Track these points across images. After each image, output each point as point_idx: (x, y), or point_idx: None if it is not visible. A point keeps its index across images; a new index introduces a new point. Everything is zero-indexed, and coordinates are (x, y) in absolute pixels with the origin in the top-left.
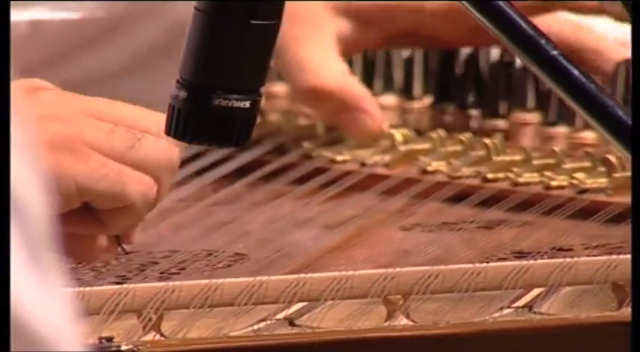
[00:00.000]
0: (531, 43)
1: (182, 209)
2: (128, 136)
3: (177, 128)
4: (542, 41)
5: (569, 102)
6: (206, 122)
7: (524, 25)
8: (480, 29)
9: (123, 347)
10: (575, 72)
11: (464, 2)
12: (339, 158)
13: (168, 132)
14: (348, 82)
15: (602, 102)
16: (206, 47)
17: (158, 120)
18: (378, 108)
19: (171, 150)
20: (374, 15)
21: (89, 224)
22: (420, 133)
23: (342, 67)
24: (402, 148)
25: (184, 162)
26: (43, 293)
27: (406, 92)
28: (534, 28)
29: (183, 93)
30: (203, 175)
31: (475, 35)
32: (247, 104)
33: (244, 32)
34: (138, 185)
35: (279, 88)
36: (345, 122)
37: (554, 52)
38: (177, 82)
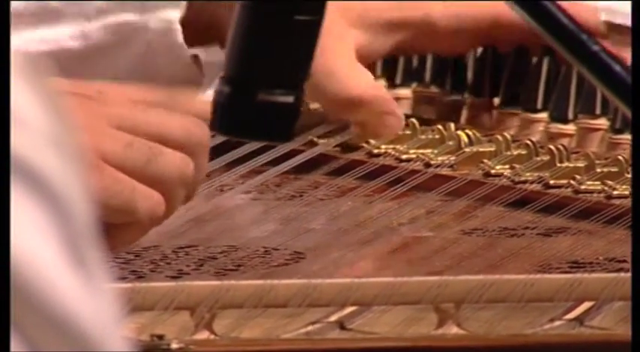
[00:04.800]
0: (573, 39)
1: (244, 204)
2: (145, 151)
3: (222, 123)
4: (584, 37)
5: (611, 99)
6: (250, 117)
7: (565, 21)
8: (484, 35)
9: (173, 346)
10: (617, 68)
11: None
12: (405, 157)
13: (212, 128)
14: (378, 89)
15: None
16: (250, 43)
17: (182, 125)
18: (398, 108)
19: (186, 163)
20: (383, 26)
21: None
22: (486, 134)
23: (369, 75)
24: (468, 150)
25: (247, 157)
26: (87, 292)
27: (476, 91)
28: (576, 23)
29: (227, 89)
30: (266, 170)
31: (479, 41)
32: (291, 99)
33: (288, 28)
34: (148, 203)
35: None
36: (375, 125)
37: (596, 48)
38: (221, 77)
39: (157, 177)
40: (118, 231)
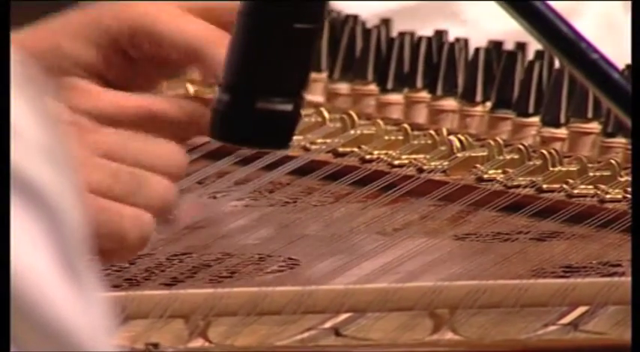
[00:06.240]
0: (572, 47)
1: (238, 211)
2: (130, 181)
3: (221, 131)
4: (583, 45)
5: (609, 106)
6: (249, 125)
7: (564, 28)
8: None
9: None
10: (616, 75)
11: (506, 4)
12: (397, 162)
13: (211, 135)
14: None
15: None
16: (249, 50)
17: (164, 151)
18: None
19: (170, 191)
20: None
21: None
22: (478, 139)
23: None
24: (460, 155)
25: (240, 163)
26: (80, 302)
27: (468, 96)
28: (575, 31)
29: (226, 97)
30: (260, 177)
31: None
32: (290, 107)
33: (287, 35)
34: (137, 227)
35: (340, 86)
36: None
37: (595, 56)
38: (221, 85)
39: (144, 204)
40: (109, 254)
